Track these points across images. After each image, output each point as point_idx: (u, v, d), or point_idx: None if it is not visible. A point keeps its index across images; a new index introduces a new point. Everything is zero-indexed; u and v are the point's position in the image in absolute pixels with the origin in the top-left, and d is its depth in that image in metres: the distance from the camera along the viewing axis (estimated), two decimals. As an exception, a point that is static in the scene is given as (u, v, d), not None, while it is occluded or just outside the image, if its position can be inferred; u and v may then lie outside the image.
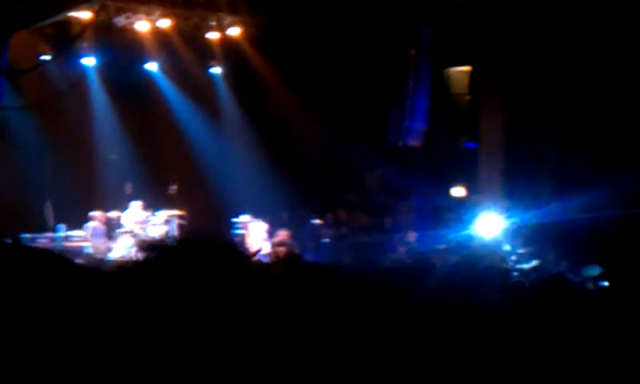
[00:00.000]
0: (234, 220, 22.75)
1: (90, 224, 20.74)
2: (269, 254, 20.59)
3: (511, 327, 3.65)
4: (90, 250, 20.43)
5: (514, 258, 17.76)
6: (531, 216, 19.58)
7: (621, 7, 18.90)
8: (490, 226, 19.83)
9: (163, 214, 21.47)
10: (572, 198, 19.20)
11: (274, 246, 20.88)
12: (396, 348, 2.85)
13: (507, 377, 3.33)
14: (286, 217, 24.01)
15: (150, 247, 2.39)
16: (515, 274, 12.85)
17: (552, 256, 17.61)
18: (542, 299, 4.30)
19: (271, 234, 22.28)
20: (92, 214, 20.84)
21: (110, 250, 20.55)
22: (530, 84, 20.43)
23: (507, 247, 18.63)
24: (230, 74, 24.91)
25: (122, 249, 20.50)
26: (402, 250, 21.24)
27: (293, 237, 21.98)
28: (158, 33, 22.26)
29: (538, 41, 19.89)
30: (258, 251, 19.69)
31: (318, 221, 23.59)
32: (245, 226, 21.89)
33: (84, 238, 20.44)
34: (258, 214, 23.01)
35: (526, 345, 3.48)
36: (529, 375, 3.39)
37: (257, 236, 21.60)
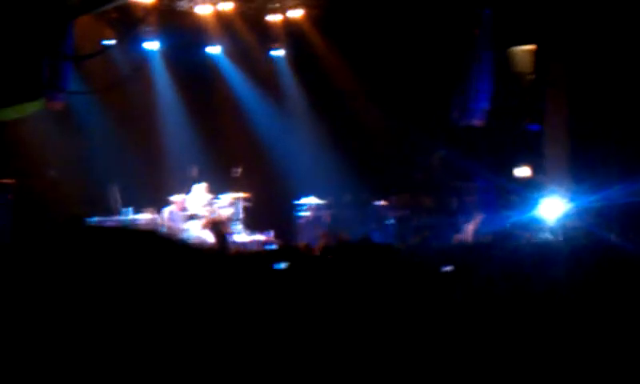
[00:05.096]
0: (298, 202, 22.86)
1: (168, 208, 20.96)
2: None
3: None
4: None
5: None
6: (596, 198, 19.34)
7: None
8: (553, 207, 19.63)
9: (228, 196, 21.58)
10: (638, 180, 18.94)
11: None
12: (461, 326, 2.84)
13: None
14: (348, 198, 24.01)
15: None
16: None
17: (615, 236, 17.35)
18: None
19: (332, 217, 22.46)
20: (171, 198, 21.07)
21: (184, 233, 20.70)
22: (595, 63, 20.13)
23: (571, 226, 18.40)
24: (292, 56, 24.93)
25: (190, 232, 20.68)
26: (467, 230, 21.12)
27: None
28: (220, 16, 22.35)
29: (603, 17, 19.58)
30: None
31: (381, 202, 23.53)
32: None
33: (149, 221, 20.59)
34: (321, 195, 23.07)
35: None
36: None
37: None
